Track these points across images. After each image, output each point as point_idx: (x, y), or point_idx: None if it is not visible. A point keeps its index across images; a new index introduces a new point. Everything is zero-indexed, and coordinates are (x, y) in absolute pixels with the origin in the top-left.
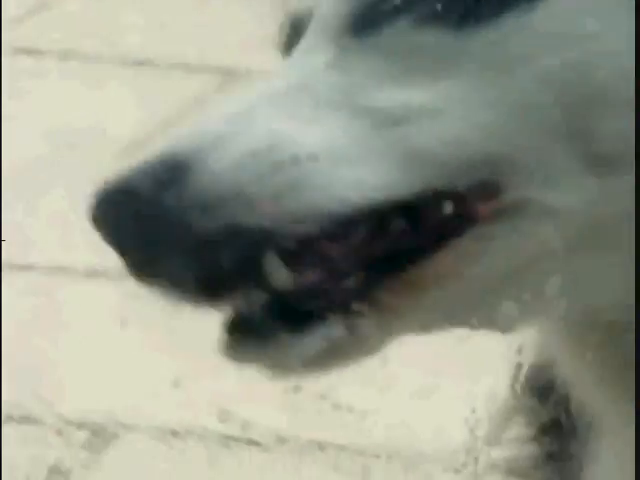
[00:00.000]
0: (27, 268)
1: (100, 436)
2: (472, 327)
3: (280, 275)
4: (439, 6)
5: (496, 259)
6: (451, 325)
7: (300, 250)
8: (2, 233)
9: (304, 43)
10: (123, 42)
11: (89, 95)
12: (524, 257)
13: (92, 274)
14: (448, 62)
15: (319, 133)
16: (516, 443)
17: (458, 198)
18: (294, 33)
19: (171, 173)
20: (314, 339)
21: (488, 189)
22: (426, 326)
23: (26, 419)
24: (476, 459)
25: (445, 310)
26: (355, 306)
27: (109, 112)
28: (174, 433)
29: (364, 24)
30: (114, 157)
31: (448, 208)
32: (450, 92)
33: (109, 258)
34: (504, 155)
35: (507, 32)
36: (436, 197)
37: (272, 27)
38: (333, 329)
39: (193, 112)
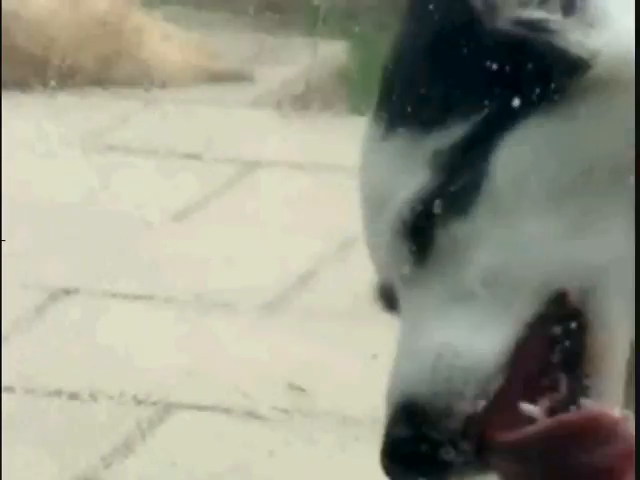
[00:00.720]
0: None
1: (157, 412)
2: None
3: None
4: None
5: None
6: None
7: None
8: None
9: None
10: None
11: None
12: None
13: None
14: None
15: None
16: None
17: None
18: (387, 298)
19: (417, 417)
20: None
21: None
22: None
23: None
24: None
25: None
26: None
27: (158, 191)
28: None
29: (415, 249)
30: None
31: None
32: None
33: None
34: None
35: (469, 229)
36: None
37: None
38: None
39: (219, 195)
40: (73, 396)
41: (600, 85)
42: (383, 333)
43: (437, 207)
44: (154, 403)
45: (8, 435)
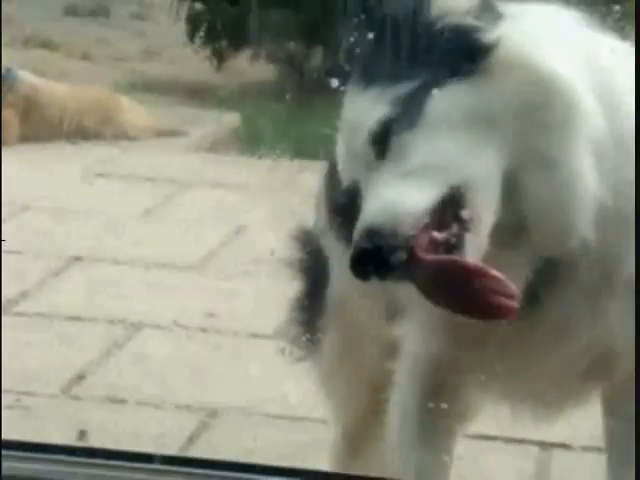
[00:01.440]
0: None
1: (124, 331)
2: None
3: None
4: (407, 127)
5: None
6: None
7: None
8: None
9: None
10: (135, 171)
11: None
12: None
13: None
14: (412, 147)
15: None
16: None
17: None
18: (350, 198)
19: (373, 235)
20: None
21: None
22: None
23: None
24: None
25: None
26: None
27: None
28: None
29: (379, 153)
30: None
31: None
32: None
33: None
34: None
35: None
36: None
37: (200, 160)
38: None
39: (168, 202)
40: (75, 319)
41: (498, 65)
42: (270, 282)
43: (394, 126)
44: (128, 323)
45: (45, 337)
